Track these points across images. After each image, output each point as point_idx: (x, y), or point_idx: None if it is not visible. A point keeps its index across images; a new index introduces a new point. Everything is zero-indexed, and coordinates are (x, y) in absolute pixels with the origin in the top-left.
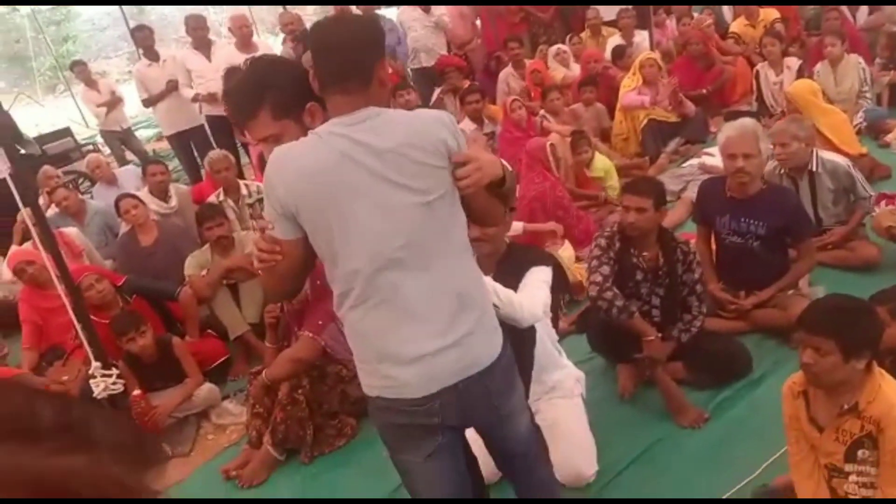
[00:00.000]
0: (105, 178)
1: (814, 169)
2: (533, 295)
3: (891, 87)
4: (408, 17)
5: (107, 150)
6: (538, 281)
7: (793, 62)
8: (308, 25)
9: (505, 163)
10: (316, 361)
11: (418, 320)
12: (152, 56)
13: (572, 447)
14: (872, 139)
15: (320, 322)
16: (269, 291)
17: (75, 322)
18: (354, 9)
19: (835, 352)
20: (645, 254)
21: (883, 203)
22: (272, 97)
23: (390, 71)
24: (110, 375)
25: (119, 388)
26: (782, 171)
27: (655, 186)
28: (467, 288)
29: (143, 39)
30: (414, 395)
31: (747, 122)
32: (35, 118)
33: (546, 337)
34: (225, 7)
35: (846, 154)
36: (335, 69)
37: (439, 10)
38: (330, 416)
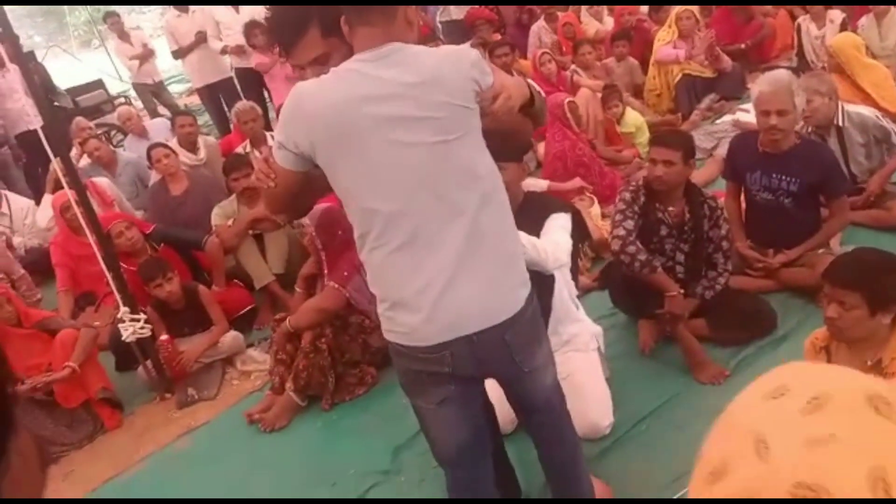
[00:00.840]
0: (136, 130)
1: (840, 123)
2: (556, 241)
3: None
4: None
5: (139, 104)
6: (558, 227)
7: (836, 15)
8: None
9: (532, 83)
10: (339, 312)
11: (435, 266)
12: (182, 7)
13: (587, 399)
14: None
15: (346, 273)
16: (266, 205)
17: (105, 269)
18: None
19: (861, 305)
20: (671, 209)
21: None
22: (319, 13)
23: (420, 23)
24: (138, 320)
25: (147, 332)
26: (809, 128)
27: (684, 139)
28: (491, 235)
29: None
30: (426, 343)
31: (781, 75)
32: (69, 72)
33: (564, 288)
34: None
35: (887, 111)
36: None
37: None
38: (351, 364)
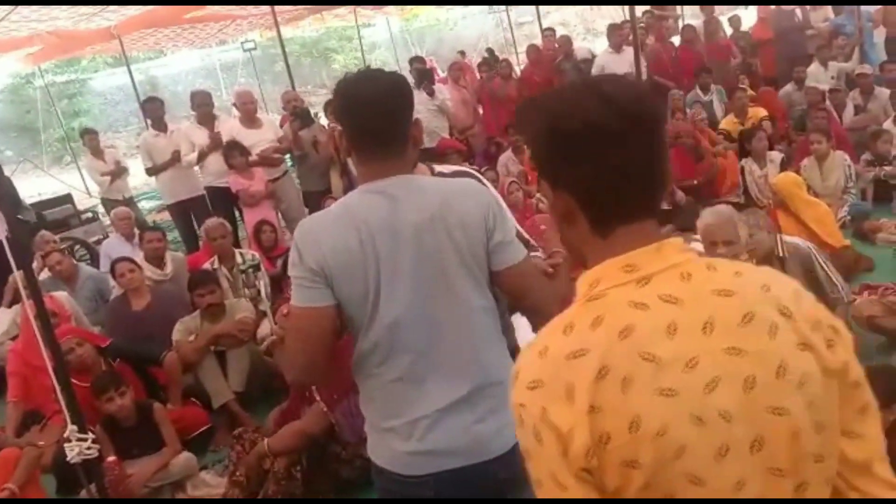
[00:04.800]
0: (125, 232)
1: (780, 254)
2: None
3: (875, 183)
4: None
5: (106, 221)
6: None
7: (776, 156)
8: (310, 105)
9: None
10: (320, 439)
11: (429, 401)
12: (160, 127)
13: None
14: (854, 234)
15: (335, 396)
16: (298, 373)
17: (55, 384)
18: None
19: None
20: None
21: (865, 293)
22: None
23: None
24: (86, 439)
25: (94, 452)
26: (754, 261)
27: None
28: (489, 372)
29: (154, 111)
30: (410, 472)
31: (723, 209)
32: (39, 187)
33: None
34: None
35: (830, 246)
36: (371, 131)
37: (442, 95)
38: (315, 492)
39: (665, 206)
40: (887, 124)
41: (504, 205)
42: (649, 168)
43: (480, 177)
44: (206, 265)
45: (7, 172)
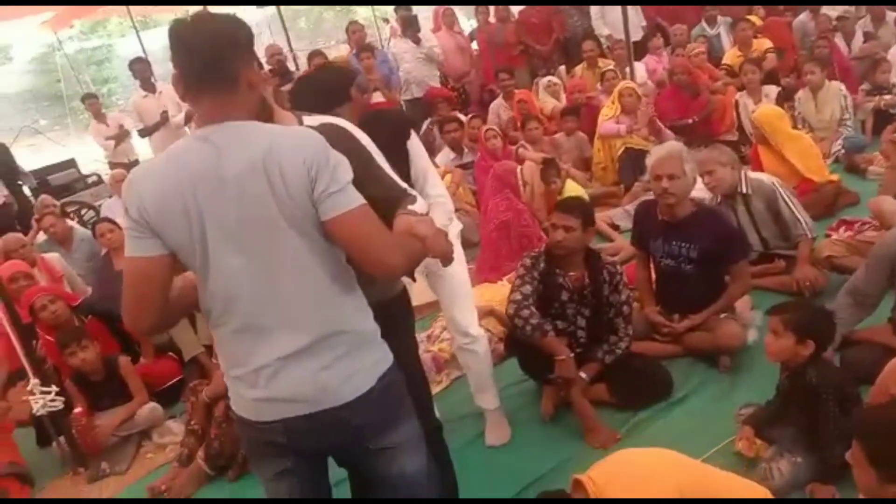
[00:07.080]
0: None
1: (744, 191)
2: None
3: (875, 114)
4: (399, 48)
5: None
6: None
7: (771, 90)
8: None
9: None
10: None
11: (271, 350)
12: (149, 87)
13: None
14: (846, 168)
15: None
16: (129, 320)
17: (13, 339)
18: None
19: None
20: (571, 274)
21: (842, 229)
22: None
23: (382, 99)
24: (49, 392)
25: (59, 405)
26: (718, 199)
27: (584, 207)
28: (332, 322)
29: (141, 71)
30: (261, 419)
31: (673, 144)
32: (66, 155)
33: None
34: None
35: (811, 181)
36: (197, 73)
37: (430, 42)
38: None
39: (651, 147)
40: (891, 52)
41: (359, 150)
42: None
43: (349, 128)
44: None
45: (34, 142)
